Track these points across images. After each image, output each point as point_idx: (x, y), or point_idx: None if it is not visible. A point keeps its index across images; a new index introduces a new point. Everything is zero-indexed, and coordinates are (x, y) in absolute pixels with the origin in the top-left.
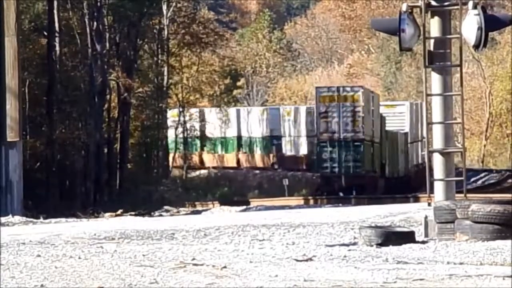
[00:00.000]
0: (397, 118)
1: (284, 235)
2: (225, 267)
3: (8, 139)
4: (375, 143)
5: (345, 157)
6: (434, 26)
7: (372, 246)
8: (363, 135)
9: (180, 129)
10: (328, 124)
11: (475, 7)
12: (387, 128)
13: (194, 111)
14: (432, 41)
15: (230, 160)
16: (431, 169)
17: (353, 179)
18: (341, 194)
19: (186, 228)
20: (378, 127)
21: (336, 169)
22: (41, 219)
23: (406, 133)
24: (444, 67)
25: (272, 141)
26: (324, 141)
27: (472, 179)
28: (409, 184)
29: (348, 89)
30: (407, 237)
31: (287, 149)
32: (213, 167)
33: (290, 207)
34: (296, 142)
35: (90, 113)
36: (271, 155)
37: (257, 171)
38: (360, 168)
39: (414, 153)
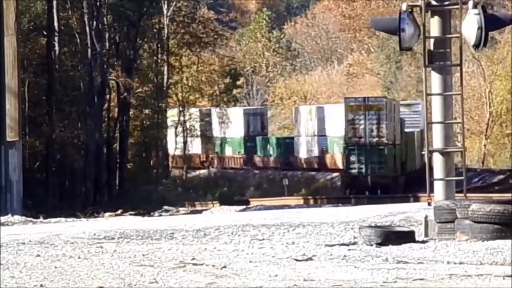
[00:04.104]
0: (413, 116)
1: (284, 234)
2: (224, 266)
3: (8, 139)
4: (396, 145)
5: (371, 160)
6: (434, 26)
7: (372, 245)
8: (386, 140)
9: (180, 129)
10: (355, 130)
11: (475, 6)
12: (406, 128)
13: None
14: (432, 40)
15: None
16: (431, 169)
17: (378, 179)
18: (367, 193)
19: (186, 228)
20: (398, 131)
21: (363, 171)
22: (41, 219)
23: (421, 130)
24: (444, 66)
25: None
26: (352, 145)
27: (472, 179)
28: (423, 176)
29: (373, 99)
30: (407, 237)
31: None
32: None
33: (289, 207)
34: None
35: (89, 113)
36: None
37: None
38: (383, 169)
39: None
